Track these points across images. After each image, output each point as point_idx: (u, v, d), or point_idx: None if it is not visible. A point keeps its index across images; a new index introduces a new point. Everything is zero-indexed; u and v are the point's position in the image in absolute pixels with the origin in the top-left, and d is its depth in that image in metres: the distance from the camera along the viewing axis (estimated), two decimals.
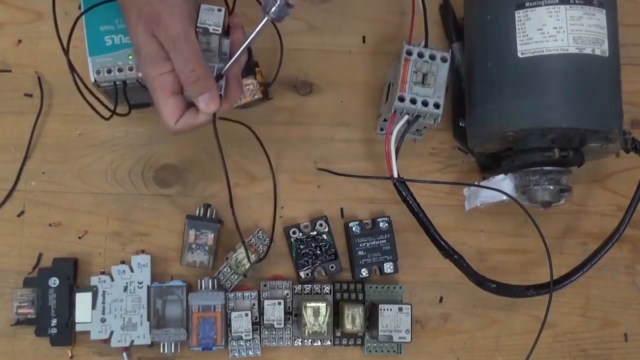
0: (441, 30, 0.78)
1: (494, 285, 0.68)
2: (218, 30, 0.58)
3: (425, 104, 0.67)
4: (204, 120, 0.59)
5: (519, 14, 0.66)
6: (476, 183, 0.72)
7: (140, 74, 0.62)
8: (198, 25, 0.58)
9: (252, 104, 0.71)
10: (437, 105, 0.67)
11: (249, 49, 0.71)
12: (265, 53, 0.75)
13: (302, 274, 0.72)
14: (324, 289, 0.71)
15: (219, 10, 0.59)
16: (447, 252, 0.68)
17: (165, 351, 0.69)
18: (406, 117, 0.68)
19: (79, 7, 0.65)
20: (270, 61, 0.76)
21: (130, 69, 0.64)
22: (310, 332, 0.68)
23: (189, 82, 0.57)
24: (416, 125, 0.70)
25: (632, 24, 0.78)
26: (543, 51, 0.65)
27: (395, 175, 0.68)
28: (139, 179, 0.74)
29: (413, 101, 0.67)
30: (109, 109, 0.69)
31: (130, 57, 0.64)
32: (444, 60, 0.68)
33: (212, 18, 0.58)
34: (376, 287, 0.72)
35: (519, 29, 0.66)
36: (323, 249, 0.72)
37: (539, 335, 0.68)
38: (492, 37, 0.68)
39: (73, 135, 0.74)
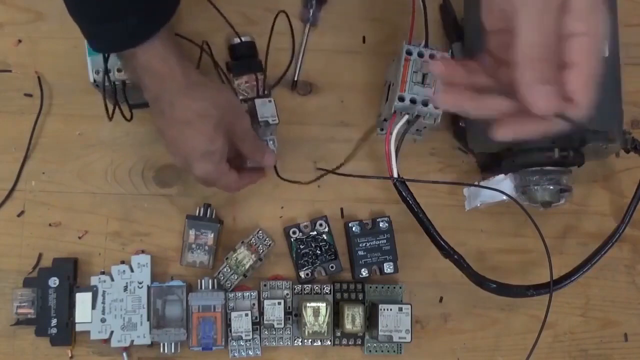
0: (441, 30, 0.78)
1: (494, 285, 0.68)
2: (276, 120, 0.70)
3: (425, 104, 0.67)
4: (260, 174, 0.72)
5: None
6: (476, 183, 0.72)
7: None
8: (260, 119, 0.69)
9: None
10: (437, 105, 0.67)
11: (253, 45, 0.75)
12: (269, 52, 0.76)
13: (302, 274, 0.72)
14: (324, 289, 0.71)
15: (270, 101, 0.70)
16: (447, 252, 0.68)
17: (165, 351, 0.69)
18: (406, 117, 0.68)
19: None
20: (270, 60, 0.76)
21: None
22: (310, 332, 0.68)
23: (257, 155, 0.68)
24: (416, 125, 0.70)
25: (632, 24, 0.78)
26: None
27: (395, 175, 0.68)
28: (139, 179, 0.74)
29: (413, 101, 0.67)
30: (123, 115, 0.69)
31: None
32: None
33: (269, 110, 0.70)
34: (376, 287, 0.72)
35: None
36: (323, 249, 0.72)
37: (539, 335, 0.68)
38: None
39: (73, 135, 0.74)
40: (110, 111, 0.68)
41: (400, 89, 0.67)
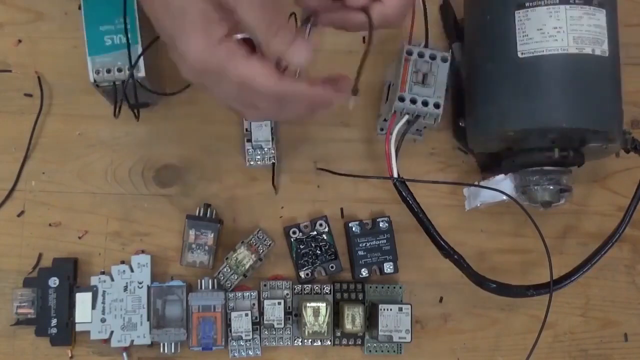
0: (441, 30, 0.77)
1: (494, 285, 0.68)
2: (269, 145, 0.69)
3: (425, 104, 0.67)
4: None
5: (519, 14, 0.66)
6: (476, 183, 0.72)
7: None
8: (254, 142, 0.69)
9: None
10: (437, 105, 0.67)
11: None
12: None
13: (302, 274, 0.72)
14: (324, 289, 0.71)
15: (266, 125, 0.70)
16: (447, 252, 0.68)
17: (165, 351, 0.69)
18: (406, 117, 0.68)
19: (79, 7, 0.65)
20: None
21: (130, 69, 0.65)
22: (310, 332, 0.68)
23: (273, 33, 0.47)
24: (416, 125, 0.70)
25: (632, 24, 0.78)
26: (543, 51, 0.65)
27: (395, 175, 0.68)
28: (139, 179, 0.74)
29: (413, 101, 0.67)
30: (134, 112, 0.70)
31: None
32: (444, 60, 0.68)
33: (263, 134, 0.69)
34: (376, 287, 0.72)
35: (518, 29, 0.66)
36: (323, 249, 0.72)
37: (539, 335, 0.68)
38: (492, 37, 0.68)
39: (73, 135, 0.74)
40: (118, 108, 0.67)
41: (400, 89, 0.67)
